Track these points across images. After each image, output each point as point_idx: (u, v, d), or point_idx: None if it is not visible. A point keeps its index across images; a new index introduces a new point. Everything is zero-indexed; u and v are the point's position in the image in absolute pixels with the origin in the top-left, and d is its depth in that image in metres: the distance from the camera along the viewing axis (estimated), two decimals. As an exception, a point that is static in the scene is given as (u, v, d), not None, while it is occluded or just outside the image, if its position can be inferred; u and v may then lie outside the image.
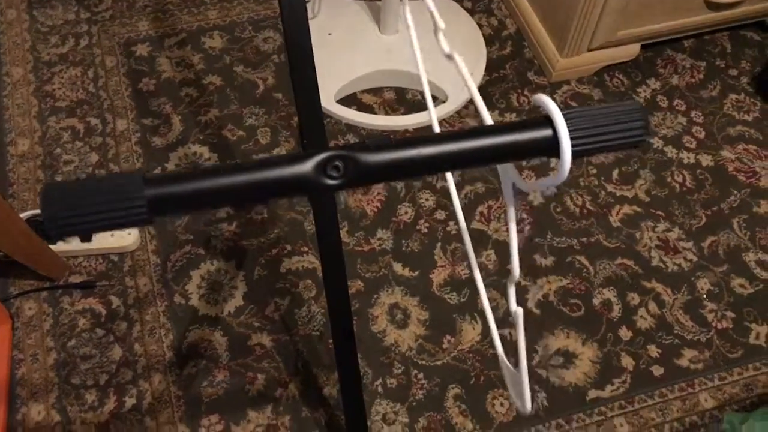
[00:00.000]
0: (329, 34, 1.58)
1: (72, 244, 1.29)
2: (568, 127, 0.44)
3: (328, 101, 1.50)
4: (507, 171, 0.53)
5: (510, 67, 1.62)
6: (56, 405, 1.17)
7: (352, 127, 1.50)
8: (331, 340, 1.22)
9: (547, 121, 0.45)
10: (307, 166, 0.42)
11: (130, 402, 1.18)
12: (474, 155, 0.45)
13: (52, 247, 1.27)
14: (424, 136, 0.45)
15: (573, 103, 1.57)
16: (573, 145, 0.44)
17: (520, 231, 1.38)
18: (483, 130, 0.46)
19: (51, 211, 0.39)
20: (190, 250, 1.33)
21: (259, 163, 0.42)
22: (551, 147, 0.46)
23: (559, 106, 0.44)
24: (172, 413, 1.17)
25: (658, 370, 1.24)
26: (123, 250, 1.31)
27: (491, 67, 1.61)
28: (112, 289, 1.28)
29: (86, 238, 1.29)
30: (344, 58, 1.55)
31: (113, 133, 1.47)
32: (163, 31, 1.64)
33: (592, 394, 1.22)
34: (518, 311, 0.56)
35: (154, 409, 1.17)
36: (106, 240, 1.30)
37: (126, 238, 1.31)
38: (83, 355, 1.21)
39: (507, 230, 1.37)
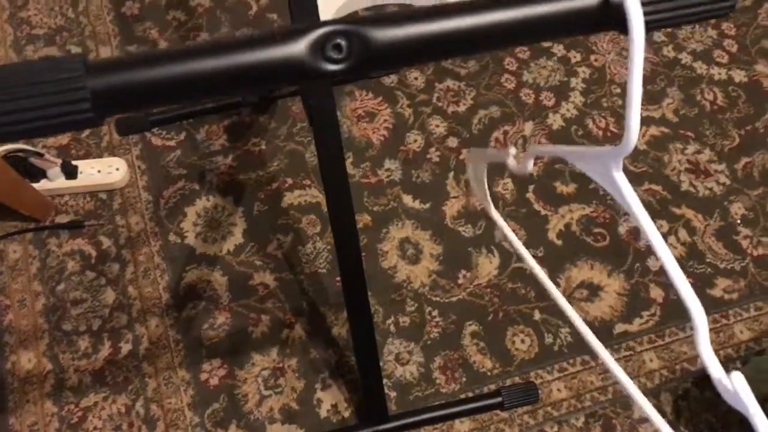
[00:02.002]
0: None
1: (56, 182, 1.20)
2: None
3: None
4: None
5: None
6: (47, 353, 1.09)
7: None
8: (338, 278, 1.14)
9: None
10: (300, 46, 0.32)
11: (126, 348, 1.10)
12: (516, 28, 0.35)
13: (34, 185, 1.17)
14: (451, 4, 0.34)
15: None
16: (646, 14, 0.34)
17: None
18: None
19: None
20: (183, 185, 1.23)
21: (236, 42, 0.32)
22: (610, 17, 0.36)
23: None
24: (171, 358, 1.09)
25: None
26: (111, 187, 1.22)
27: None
28: (101, 229, 1.19)
29: (70, 174, 1.19)
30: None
31: (96, 62, 1.36)
32: (146, -51, 1.51)
33: (620, 328, 1.14)
34: None
35: (152, 354, 1.10)
36: (92, 176, 1.21)
37: (114, 174, 1.21)
38: (74, 300, 1.13)
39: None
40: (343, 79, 1.31)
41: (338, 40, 0.33)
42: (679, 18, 0.36)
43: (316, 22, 0.32)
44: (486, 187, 0.67)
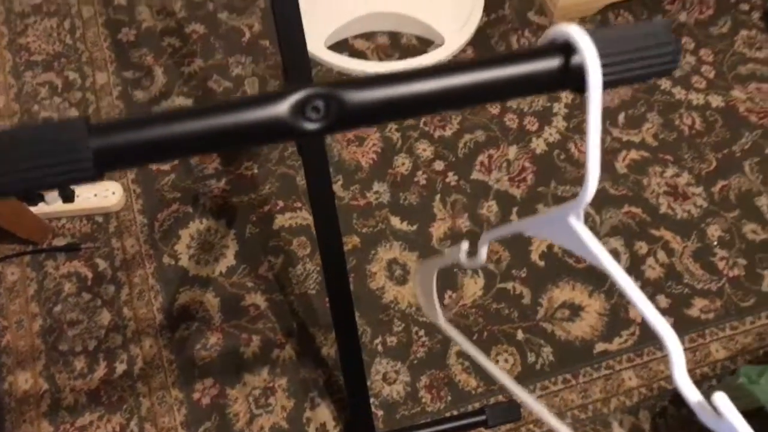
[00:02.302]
0: (317, -24, 1.49)
1: (54, 206, 1.23)
2: (597, 51, 0.36)
3: (318, 48, 1.42)
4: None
5: (509, 7, 1.54)
6: (44, 373, 1.12)
7: (344, 75, 1.43)
8: (327, 299, 1.17)
9: (565, 48, 0.38)
10: (282, 107, 0.36)
11: (120, 368, 1.13)
12: (479, 90, 0.38)
13: (32, 209, 1.21)
14: (419, 68, 0.38)
15: (576, 44, 1.49)
16: (604, 74, 0.37)
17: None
18: (489, 61, 0.39)
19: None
20: (177, 208, 1.27)
21: (226, 105, 0.36)
22: (571, 77, 0.39)
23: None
24: (165, 378, 1.13)
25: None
26: (107, 211, 1.25)
27: (489, 7, 1.53)
28: (97, 252, 1.23)
29: (68, 198, 1.23)
30: (334, 1, 1.46)
31: (93, 87, 1.40)
32: (142, -23, 1.55)
33: (600, 347, 1.17)
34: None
35: (146, 374, 1.13)
36: (89, 200, 1.24)
37: (110, 197, 1.25)
38: (70, 321, 1.16)
39: (508, 180, 1.31)
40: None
41: (317, 103, 0.36)
42: (628, 79, 0.40)
43: (298, 87, 0.36)
44: (435, 297, 0.67)
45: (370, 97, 0.37)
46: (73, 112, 1.36)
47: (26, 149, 0.33)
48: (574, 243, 0.43)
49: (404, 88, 0.37)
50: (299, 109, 0.36)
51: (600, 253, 0.42)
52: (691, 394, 0.37)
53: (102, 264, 1.22)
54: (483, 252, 0.54)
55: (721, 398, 0.34)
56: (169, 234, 1.25)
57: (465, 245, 0.56)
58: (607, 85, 0.39)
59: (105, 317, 1.17)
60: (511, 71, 0.39)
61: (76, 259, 1.22)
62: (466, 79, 0.38)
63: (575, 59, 0.38)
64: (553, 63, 0.39)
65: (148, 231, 1.25)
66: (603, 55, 0.37)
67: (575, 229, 0.43)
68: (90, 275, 1.21)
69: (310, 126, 0.37)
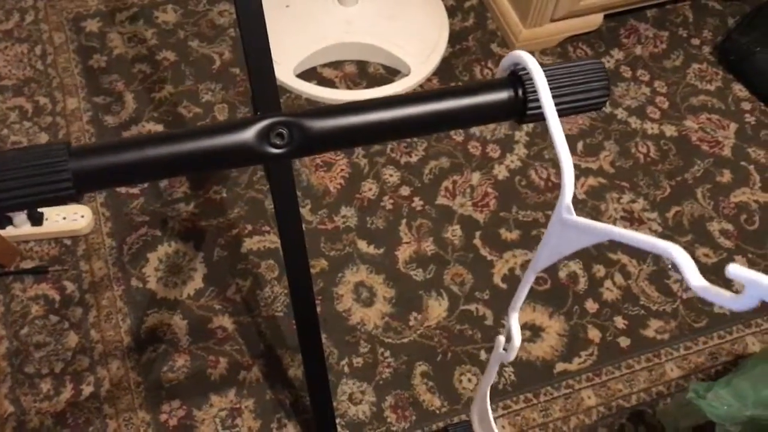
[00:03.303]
0: (287, 6, 1.54)
1: (22, 229, 1.24)
2: (549, 84, 0.40)
3: (288, 76, 1.46)
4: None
5: (473, 39, 1.59)
6: (9, 395, 1.12)
7: (312, 102, 1.46)
8: (295, 321, 1.20)
9: (515, 80, 0.42)
10: (249, 134, 0.39)
11: (87, 390, 1.14)
12: (433, 119, 0.42)
13: (0, 231, 1.21)
14: (377, 99, 0.42)
15: (537, 75, 1.55)
16: (557, 104, 0.41)
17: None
18: (443, 92, 0.43)
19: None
20: (146, 231, 1.28)
21: (197, 132, 0.39)
22: (518, 108, 0.43)
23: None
24: (131, 400, 1.13)
25: (624, 342, 1.24)
26: (76, 234, 1.26)
27: (454, 39, 1.58)
28: (65, 274, 1.23)
29: (37, 221, 1.24)
30: (303, 31, 1.51)
31: (63, 112, 1.41)
32: (114, 5, 1.58)
33: (560, 367, 1.21)
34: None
35: (113, 396, 1.13)
36: (57, 223, 1.25)
37: (79, 221, 1.26)
38: (37, 343, 1.17)
39: (472, 205, 1.35)
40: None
41: (280, 130, 0.39)
42: (570, 110, 0.44)
43: (264, 115, 0.39)
44: (492, 420, 0.65)
45: (330, 125, 0.40)
46: (44, 137, 1.37)
47: (9, 171, 0.36)
48: (579, 237, 0.43)
49: (362, 118, 0.41)
50: (264, 135, 0.39)
51: (606, 228, 0.40)
52: (705, 287, 0.33)
53: (70, 286, 1.22)
54: (515, 328, 0.52)
55: (734, 270, 0.30)
56: (137, 257, 1.26)
57: (502, 339, 0.54)
58: (562, 114, 0.43)
59: (72, 339, 1.17)
60: (462, 102, 0.43)
61: (44, 281, 1.22)
62: (420, 110, 0.42)
63: (522, 91, 0.42)
64: (502, 95, 0.43)
65: (116, 254, 1.26)
66: (552, 87, 0.41)
67: (574, 221, 0.43)
68: (58, 298, 1.21)
69: (275, 151, 0.40)
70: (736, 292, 0.32)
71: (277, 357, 1.19)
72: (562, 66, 0.43)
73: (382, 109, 0.41)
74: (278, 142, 0.39)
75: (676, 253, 0.34)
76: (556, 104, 0.42)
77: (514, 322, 0.53)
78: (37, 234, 1.25)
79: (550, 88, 0.41)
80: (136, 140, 0.38)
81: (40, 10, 1.55)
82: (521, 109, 0.43)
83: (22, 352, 1.16)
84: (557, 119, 0.41)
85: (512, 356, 0.53)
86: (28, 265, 1.24)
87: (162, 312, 1.21)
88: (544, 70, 0.41)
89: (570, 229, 0.43)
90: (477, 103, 0.43)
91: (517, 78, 0.42)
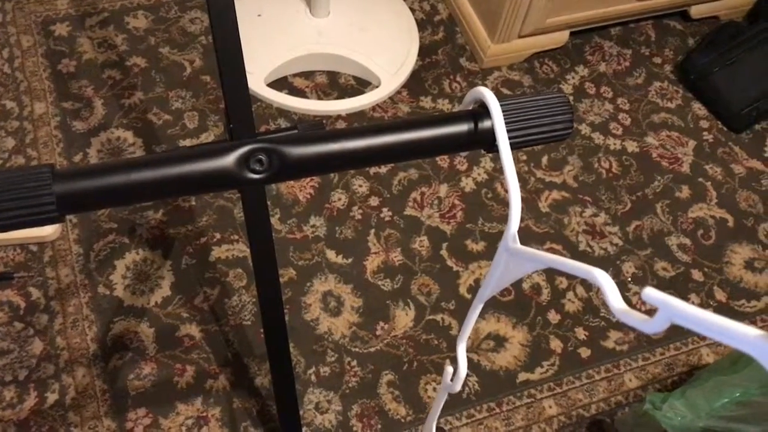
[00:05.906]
0: (258, 15, 1.55)
1: (-14, 234, 1.22)
2: (505, 119, 0.43)
3: (258, 85, 1.47)
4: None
5: (442, 53, 1.62)
6: (-29, 403, 1.11)
7: (283, 112, 1.47)
8: (262, 330, 1.20)
9: (480, 113, 0.45)
10: (229, 160, 0.41)
11: (52, 397, 1.13)
12: (404, 149, 0.44)
13: (-36, 237, 1.20)
14: (351, 128, 0.43)
15: (504, 90, 1.59)
16: (510, 137, 0.44)
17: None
18: (413, 123, 0.45)
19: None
20: (114, 239, 1.28)
21: (178, 156, 0.40)
22: (482, 139, 0.46)
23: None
24: (97, 408, 1.13)
25: (585, 352, 1.27)
26: (43, 240, 1.26)
27: (424, 52, 1.61)
28: (31, 281, 1.23)
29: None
30: (274, 41, 1.52)
31: (31, 117, 1.40)
32: (84, 10, 1.57)
33: (522, 376, 1.24)
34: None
35: (78, 404, 1.13)
36: (23, 230, 1.24)
37: (45, 227, 1.25)
38: (0, 350, 1.16)
39: (439, 217, 1.38)
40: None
41: (260, 156, 0.41)
42: (530, 142, 0.46)
43: (243, 141, 0.41)
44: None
45: (307, 152, 0.42)
46: (10, 141, 1.36)
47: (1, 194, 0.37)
48: (523, 265, 0.45)
49: (339, 146, 0.43)
50: (244, 161, 0.41)
51: (547, 257, 0.43)
52: (624, 310, 0.33)
53: (35, 293, 1.21)
54: (461, 359, 0.52)
55: (648, 292, 0.31)
56: (104, 264, 1.26)
57: (450, 369, 0.54)
58: (513, 146, 0.45)
59: (37, 346, 1.17)
60: (431, 133, 0.45)
61: (9, 288, 1.21)
62: (392, 139, 0.44)
63: (485, 124, 0.44)
64: (467, 126, 0.45)
65: (83, 261, 1.25)
66: (509, 121, 0.43)
67: (520, 250, 0.44)
68: (23, 304, 1.20)
69: (254, 176, 0.41)
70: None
71: (244, 365, 1.19)
72: (526, 99, 0.45)
73: (359, 138, 0.43)
74: (257, 168, 0.41)
75: (600, 277, 0.35)
76: (517, 136, 0.45)
77: (461, 352, 0.53)
78: (2, 240, 1.24)
79: (511, 122, 0.43)
80: (120, 164, 0.39)
81: (8, 12, 1.54)
82: (491, 140, 0.45)
83: (-15, 359, 1.15)
84: (509, 153, 0.43)
85: (458, 387, 0.53)
86: (-8, 271, 1.22)
87: (129, 319, 1.21)
88: (508, 104, 0.44)
89: (515, 257, 0.45)
90: (451, 133, 0.45)
91: (486, 110, 0.44)
